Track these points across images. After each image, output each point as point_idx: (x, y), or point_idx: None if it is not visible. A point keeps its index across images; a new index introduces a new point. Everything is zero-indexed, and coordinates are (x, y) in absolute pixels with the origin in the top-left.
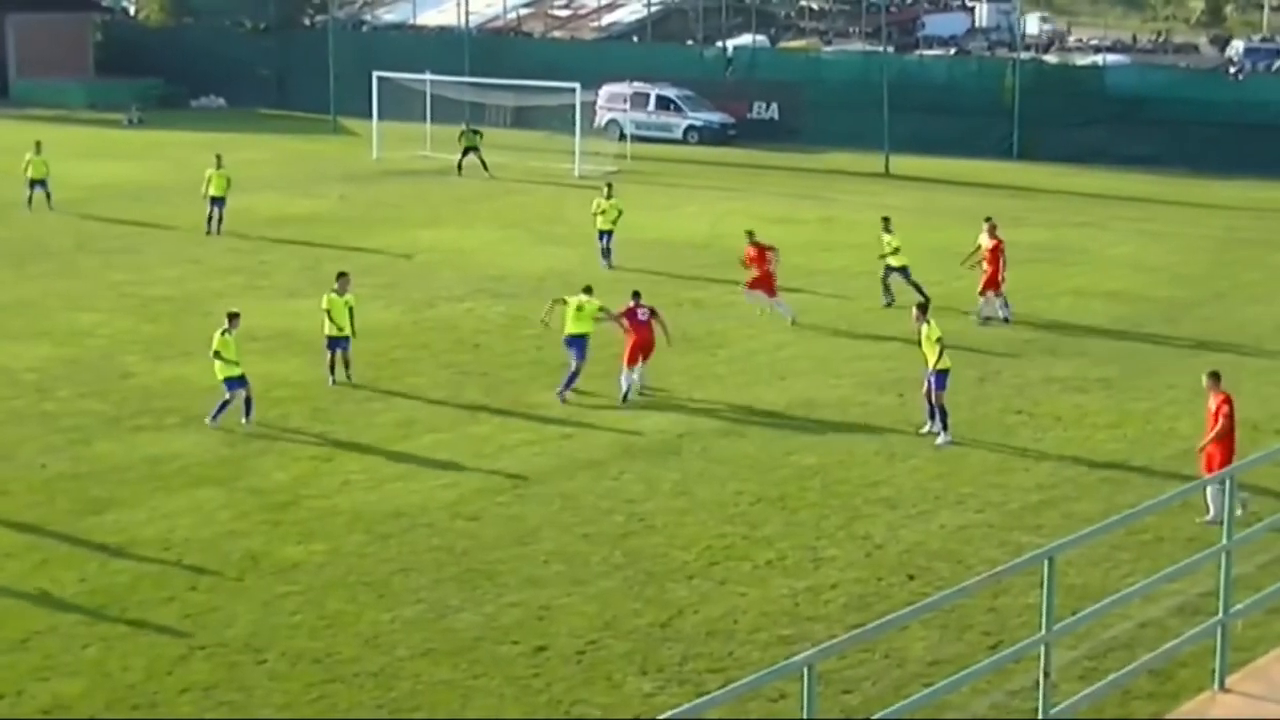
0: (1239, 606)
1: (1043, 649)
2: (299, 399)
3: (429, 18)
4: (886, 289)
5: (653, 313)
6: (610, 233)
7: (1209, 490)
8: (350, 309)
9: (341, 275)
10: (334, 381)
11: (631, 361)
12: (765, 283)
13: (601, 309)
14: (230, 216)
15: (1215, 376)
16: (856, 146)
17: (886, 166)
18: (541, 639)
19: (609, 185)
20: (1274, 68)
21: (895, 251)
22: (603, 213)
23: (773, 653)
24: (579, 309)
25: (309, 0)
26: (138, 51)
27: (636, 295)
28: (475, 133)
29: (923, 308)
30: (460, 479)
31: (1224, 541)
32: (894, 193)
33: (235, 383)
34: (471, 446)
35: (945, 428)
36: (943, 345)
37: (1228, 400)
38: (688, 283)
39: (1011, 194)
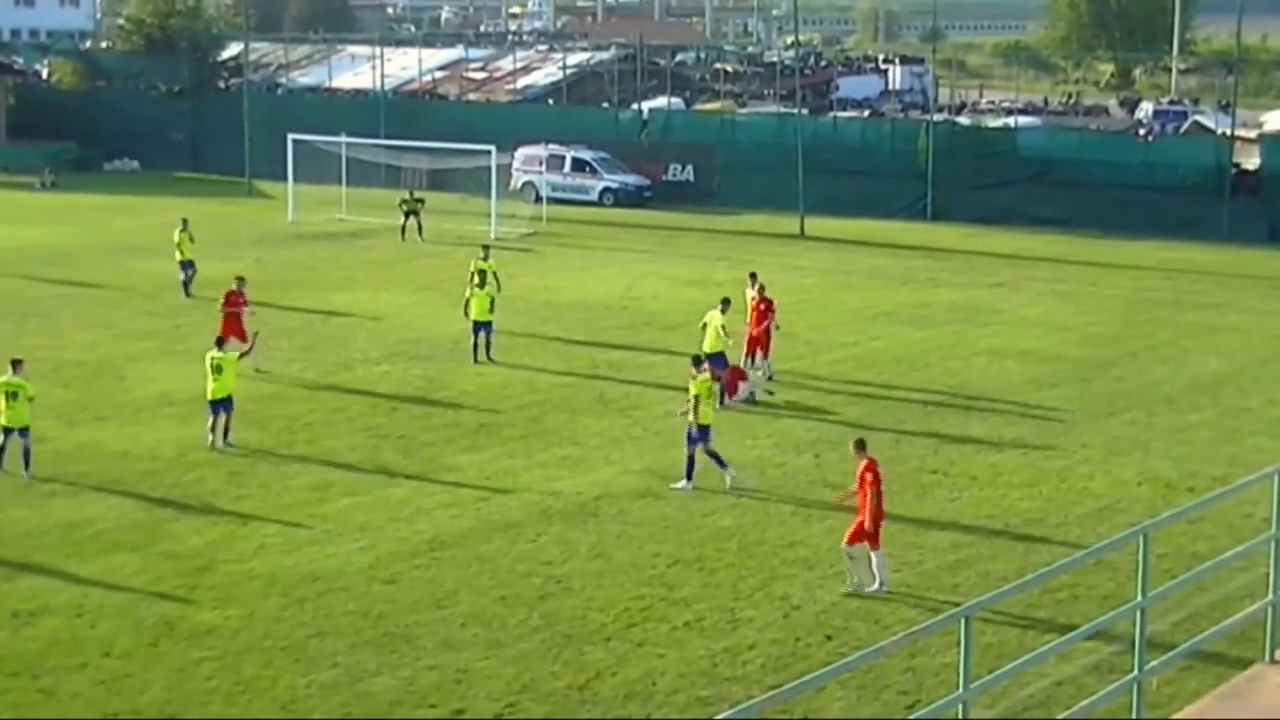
0: (1154, 664)
1: (960, 708)
2: (214, 463)
3: (344, 81)
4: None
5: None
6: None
7: (874, 559)
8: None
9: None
10: (213, 444)
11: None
12: (764, 341)
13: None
14: (144, 280)
15: (860, 444)
16: (772, 208)
17: (802, 228)
18: (459, 702)
19: (485, 248)
20: (1182, 130)
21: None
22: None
23: (691, 714)
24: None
25: (223, 64)
26: (50, 115)
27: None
28: (418, 200)
29: (697, 360)
30: (377, 542)
31: (1139, 599)
32: (809, 254)
33: (226, 404)
34: (388, 509)
35: (722, 464)
36: (698, 399)
37: (871, 468)
38: (604, 345)
39: (925, 255)
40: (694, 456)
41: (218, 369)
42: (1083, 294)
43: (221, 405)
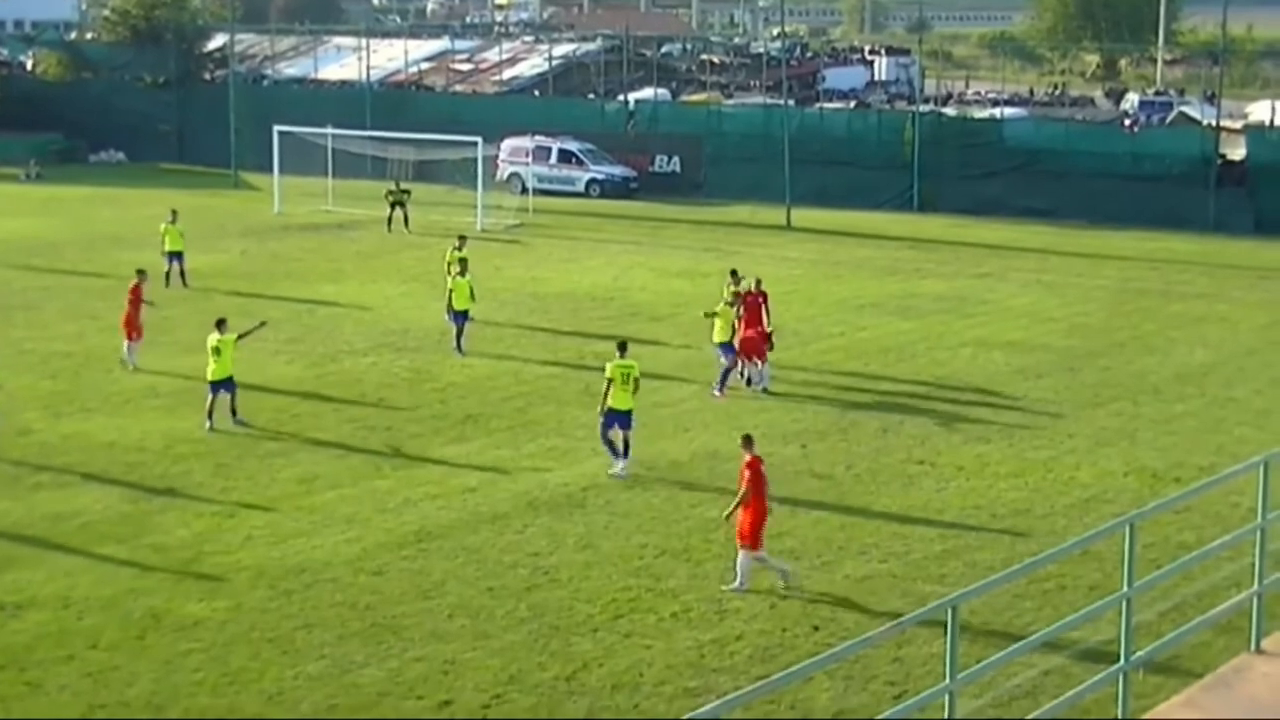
0: (1140, 654)
1: (947, 698)
2: (201, 455)
3: (330, 72)
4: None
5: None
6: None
7: (740, 558)
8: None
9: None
10: (212, 426)
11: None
12: (758, 345)
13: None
14: (131, 271)
15: (747, 440)
16: (758, 199)
17: (788, 219)
18: (446, 694)
19: (461, 239)
20: (1167, 120)
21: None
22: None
23: (678, 705)
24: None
25: (209, 55)
26: (35, 106)
27: (758, 282)
28: (404, 191)
29: (623, 346)
30: (364, 533)
31: (1125, 589)
32: (796, 245)
33: (227, 384)
34: (375, 501)
35: (615, 454)
36: (637, 382)
37: (751, 465)
38: (589, 336)
39: (912, 245)
40: (622, 439)
41: (216, 351)
42: (1069, 284)
43: (222, 385)
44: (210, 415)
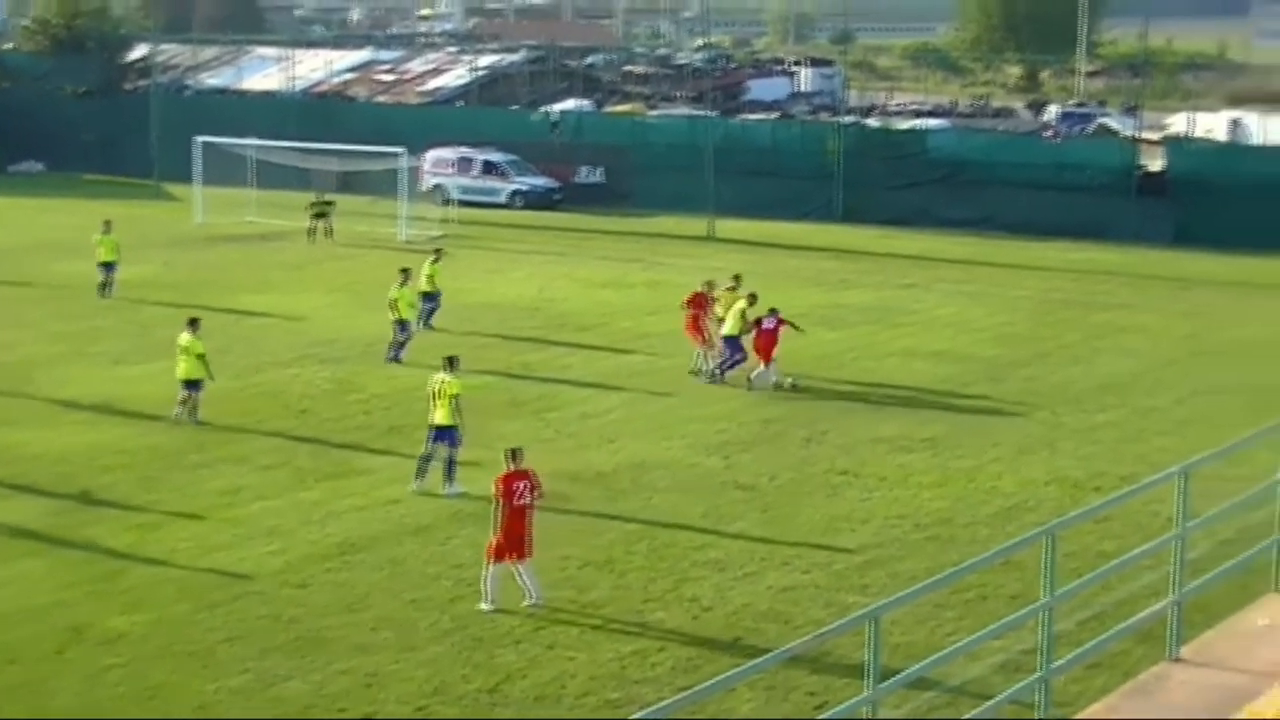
0: (1060, 662)
1: (868, 708)
2: (126, 467)
3: (254, 82)
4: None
5: (780, 323)
6: (431, 295)
7: (491, 575)
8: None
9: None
10: (177, 417)
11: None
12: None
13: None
14: (59, 282)
15: (513, 453)
16: (683, 210)
17: (712, 230)
18: (370, 706)
19: (438, 251)
20: (1088, 131)
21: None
22: (428, 276)
23: (601, 716)
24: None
25: (131, 65)
26: None
27: (773, 311)
28: (328, 202)
29: (450, 362)
30: (288, 546)
31: (1046, 598)
32: (720, 256)
33: (194, 385)
34: (300, 513)
35: (422, 470)
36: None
37: (507, 479)
38: (517, 346)
39: (836, 256)
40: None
41: (185, 351)
42: (993, 295)
43: (191, 385)
44: (180, 405)
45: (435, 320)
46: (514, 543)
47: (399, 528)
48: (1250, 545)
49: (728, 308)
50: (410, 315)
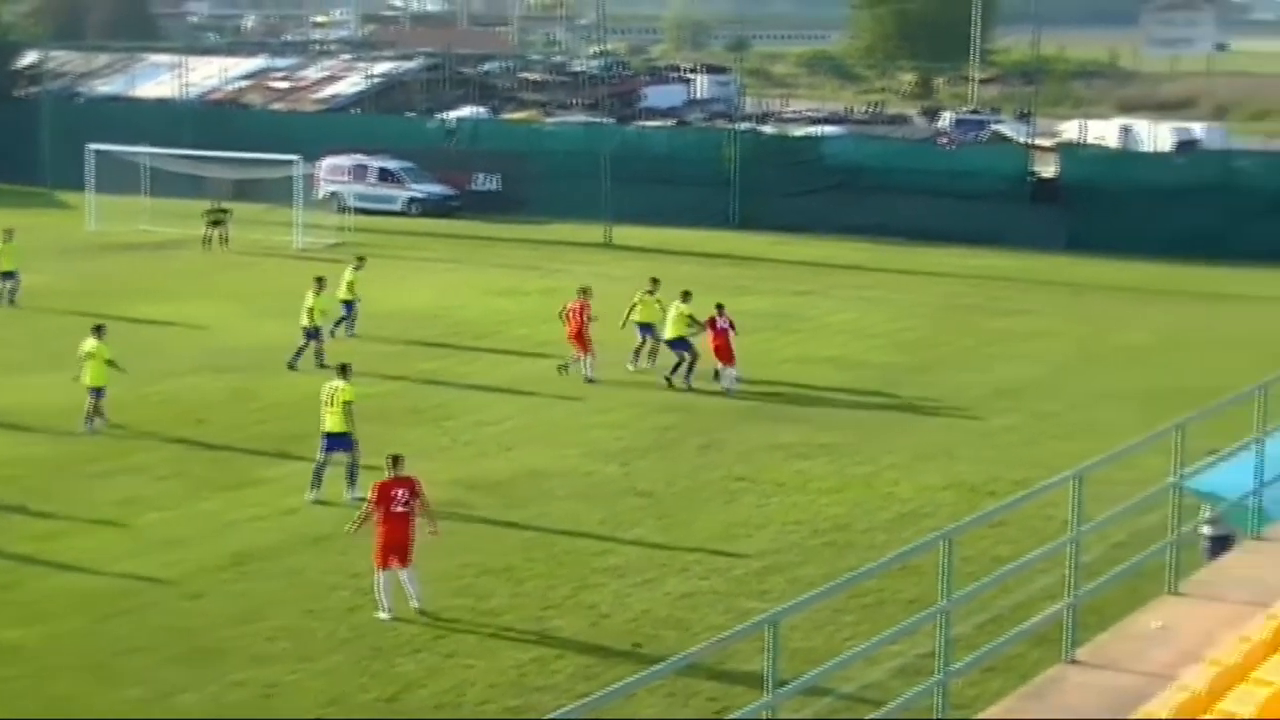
0: (957, 665)
1: (768, 713)
2: (22, 477)
3: (147, 90)
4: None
5: (730, 324)
6: (350, 303)
7: (381, 583)
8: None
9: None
10: (91, 429)
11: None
12: (579, 335)
13: (690, 316)
14: None
15: (394, 459)
16: (579, 217)
17: (609, 237)
18: (268, 716)
19: (360, 259)
20: (982, 139)
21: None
22: (348, 284)
23: None
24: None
25: (22, 71)
26: None
27: (719, 307)
28: (224, 210)
29: (343, 369)
30: (185, 556)
31: (943, 602)
32: (617, 263)
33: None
34: (196, 523)
35: (317, 479)
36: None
37: (384, 486)
38: (414, 355)
39: (733, 263)
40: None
41: (91, 357)
42: (890, 301)
43: (97, 392)
44: (87, 415)
45: (357, 328)
46: (397, 549)
47: (296, 537)
48: (1142, 548)
49: (647, 312)
50: (323, 323)
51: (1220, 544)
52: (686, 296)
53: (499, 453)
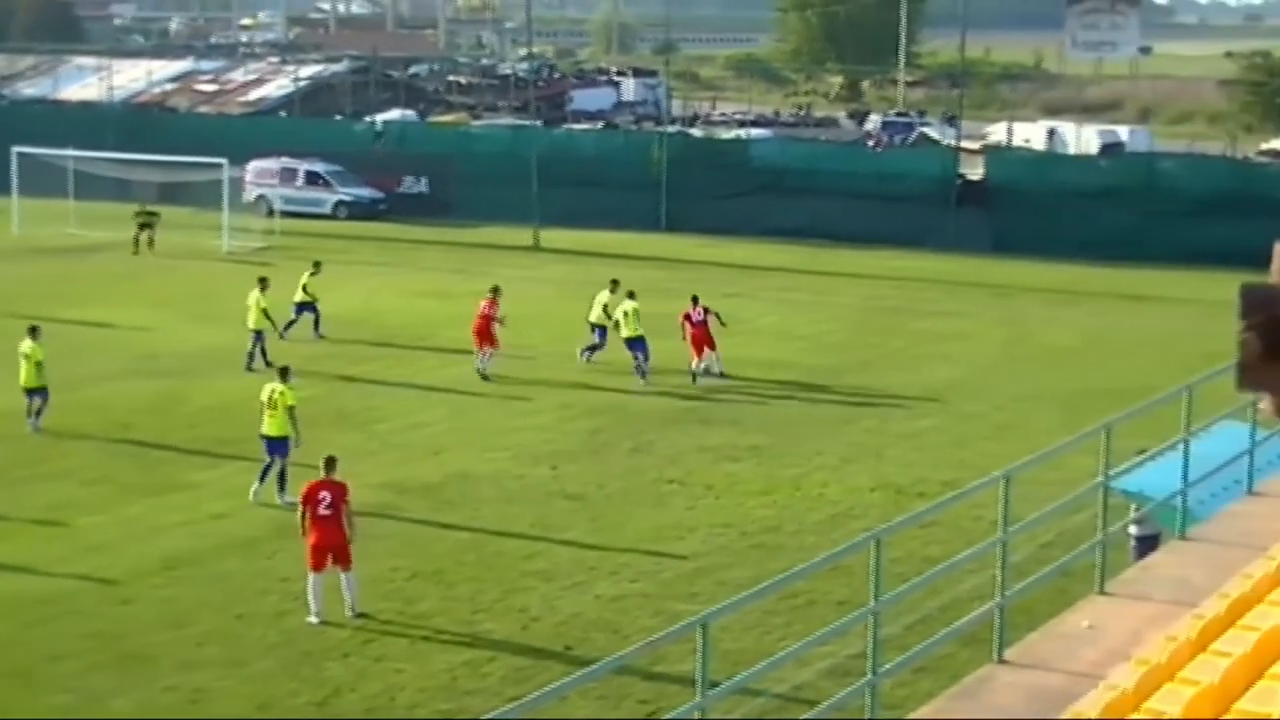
0: (888, 666)
1: (698, 714)
2: None
3: (71, 92)
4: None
5: (706, 311)
6: (305, 305)
7: (311, 584)
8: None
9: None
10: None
11: (698, 353)
12: (482, 332)
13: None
14: None
15: (329, 462)
16: (507, 220)
17: (537, 240)
18: None
19: (317, 264)
20: (909, 141)
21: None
22: (303, 287)
23: None
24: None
25: None
26: None
27: (694, 299)
28: (152, 214)
29: (283, 372)
30: (113, 562)
31: (872, 603)
32: (544, 266)
33: (41, 392)
34: (124, 529)
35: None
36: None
37: (311, 488)
38: (342, 358)
39: (661, 265)
40: (281, 468)
41: (26, 358)
42: (816, 303)
43: (35, 393)
44: (29, 416)
45: (324, 329)
46: (328, 551)
47: (225, 542)
48: (1070, 548)
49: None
50: (265, 325)
51: (1147, 544)
52: (630, 295)
53: (428, 456)
